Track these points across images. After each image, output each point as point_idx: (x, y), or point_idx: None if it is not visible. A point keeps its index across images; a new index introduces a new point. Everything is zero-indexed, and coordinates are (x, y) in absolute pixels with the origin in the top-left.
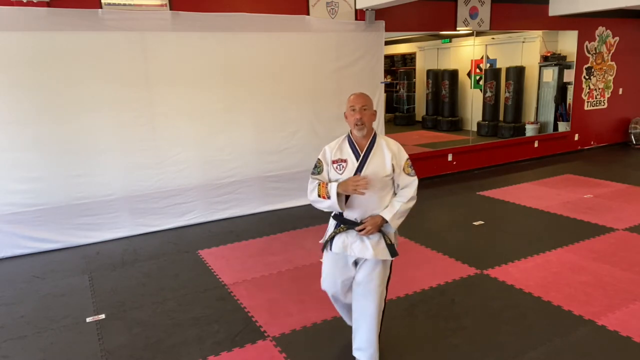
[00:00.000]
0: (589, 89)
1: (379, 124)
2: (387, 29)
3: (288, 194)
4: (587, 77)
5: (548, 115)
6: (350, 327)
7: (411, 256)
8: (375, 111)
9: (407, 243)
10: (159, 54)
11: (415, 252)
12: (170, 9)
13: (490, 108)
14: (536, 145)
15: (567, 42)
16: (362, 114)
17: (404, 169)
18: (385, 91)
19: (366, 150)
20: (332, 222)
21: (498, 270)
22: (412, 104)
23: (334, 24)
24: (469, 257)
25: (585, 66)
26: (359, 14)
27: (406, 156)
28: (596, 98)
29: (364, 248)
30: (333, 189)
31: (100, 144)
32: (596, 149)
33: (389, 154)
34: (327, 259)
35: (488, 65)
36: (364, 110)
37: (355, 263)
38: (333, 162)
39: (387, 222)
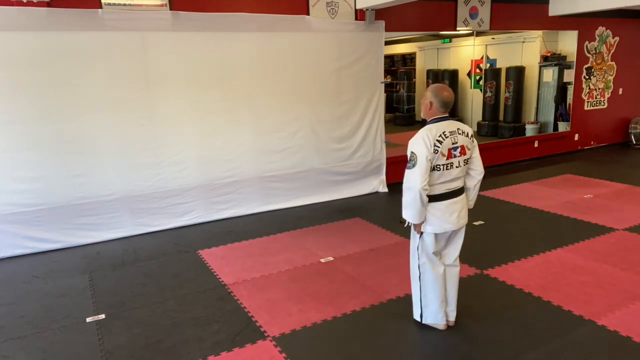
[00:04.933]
0: (589, 89)
1: (378, 125)
2: (387, 29)
3: (288, 194)
4: (587, 77)
5: (548, 115)
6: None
7: None
8: (427, 102)
9: (407, 243)
10: (159, 54)
11: None
12: (170, 9)
13: (490, 108)
14: (536, 145)
15: (567, 42)
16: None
17: None
18: (385, 91)
19: None
20: None
21: (498, 270)
22: (412, 104)
23: (334, 24)
24: (469, 257)
25: (585, 66)
26: (359, 14)
27: (409, 150)
28: (596, 98)
29: None
30: None
31: (100, 144)
32: (596, 149)
33: None
34: None
35: (488, 65)
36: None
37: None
38: None
39: None
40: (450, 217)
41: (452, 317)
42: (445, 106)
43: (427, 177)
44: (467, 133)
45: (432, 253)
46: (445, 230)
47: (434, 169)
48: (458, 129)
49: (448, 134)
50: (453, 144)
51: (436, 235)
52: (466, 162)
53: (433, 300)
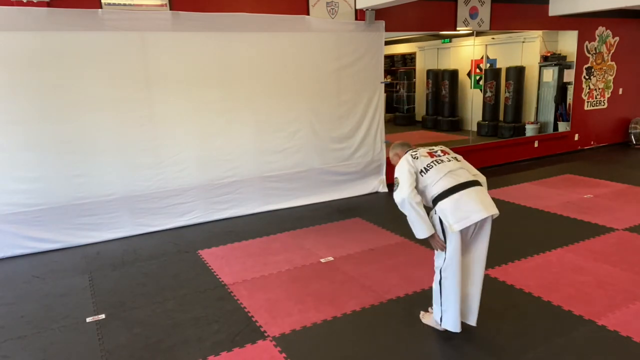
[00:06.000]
0: (589, 89)
1: (378, 125)
2: (387, 29)
3: (288, 194)
4: (587, 77)
5: (548, 115)
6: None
7: (411, 256)
8: (395, 158)
9: (407, 243)
10: (159, 54)
11: (416, 252)
12: (170, 9)
13: (490, 108)
14: (536, 145)
15: (567, 42)
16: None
17: None
18: (385, 91)
19: None
20: None
21: (498, 270)
22: (412, 104)
23: (334, 24)
24: None
25: (585, 66)
26: (359, 14)
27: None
28: (596, 98)
29: None
30: None
31: (100, 144)
32: (596, 149)
33: None
34: None
35: (488, 65)
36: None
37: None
38: None
39: None
40: (475, 204)
41: (473, 321)
42: (405, 144)
43: (413, 187)
44: (442, 147)
45: (459, 255)
46: (474, 220)
47: (425, 171)
48: (431, 147)
49: (421, 149)
50: (430, 149)
51: (461, 232)
52: (457, 159)
53: (454, 306)
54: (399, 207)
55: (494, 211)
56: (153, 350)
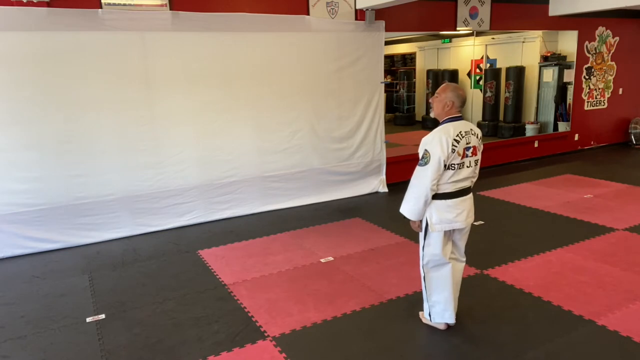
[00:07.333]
0: (589, 89)
1: (378, 125)
2: (387, 29)
3: (288, 193)
4: (587, 77)
5: (548, 115)
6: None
7: (411, 256)
8: (447, 102)
9: (407, 243)
10: (159, 54)
11: (415, 252)
12: (170, 9)
13: (490, 108)
14: (536, 145)
15: (567, 42)
16: (432, 99)
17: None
18: (385, 91)
19: None
20: None
21: (498, 270)
22: (412, 104)
23: (334, 24)
24: (468, 257)
25: (585, 66)
26: (359, 14)
27: (423, 147)
28: (596, 98)
29: None
30: None
31: (100, 144)
32: (596, 149)
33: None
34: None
35: (488, 65)
36: (435, 97)
37: None
38: None
39: None
40: (460, 214)
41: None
42: (462, 105)
43: (438, 178)
44: (478, 135)
45: (440, 253)
46: (454, 228)
47: (448, 167)
48: (471, 129)
49: (464, 134)
50: (467, 144)
51: (444, 233)
52: (476, 162)
53: (439, 300)
54: (412, 180)
55: (472, 220)
56: (153, 350)
